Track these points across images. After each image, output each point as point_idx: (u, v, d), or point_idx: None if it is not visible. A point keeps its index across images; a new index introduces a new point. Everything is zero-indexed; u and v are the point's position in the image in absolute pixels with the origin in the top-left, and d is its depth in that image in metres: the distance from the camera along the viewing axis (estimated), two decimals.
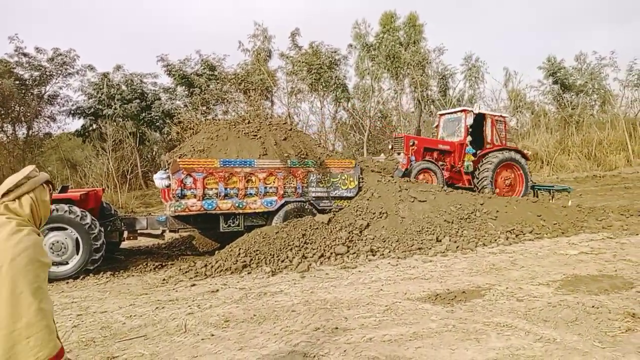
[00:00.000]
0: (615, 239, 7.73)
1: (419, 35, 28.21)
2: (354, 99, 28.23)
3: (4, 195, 1.84)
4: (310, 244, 7.48)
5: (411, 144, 10.92)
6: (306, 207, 8.65)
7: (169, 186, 7.99)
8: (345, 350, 3.71)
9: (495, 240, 7.89)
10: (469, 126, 11.08)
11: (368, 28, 27.91)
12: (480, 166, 10.98)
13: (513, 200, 9.44)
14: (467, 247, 7.54)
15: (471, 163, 10.93)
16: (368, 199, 8.81)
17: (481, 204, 8.95)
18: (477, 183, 10.91)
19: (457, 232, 8.13)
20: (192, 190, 7.74)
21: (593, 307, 4.42)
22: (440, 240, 7.86)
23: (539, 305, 4.59)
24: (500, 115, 12.01)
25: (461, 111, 11.52)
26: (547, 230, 8.35)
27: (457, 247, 7.51)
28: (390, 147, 11.74)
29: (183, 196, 7.73)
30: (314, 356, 3.62)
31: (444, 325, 4.22)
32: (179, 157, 7.84)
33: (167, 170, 8.17)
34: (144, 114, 23.56)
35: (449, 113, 12.24)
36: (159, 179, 8.24)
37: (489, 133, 11.33)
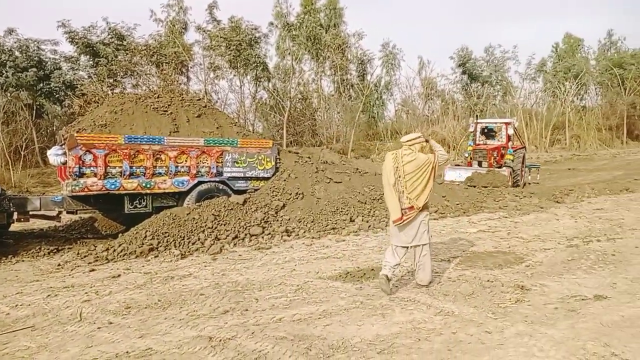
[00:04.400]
0: (510, 218, 8.45)
1: (339, 18, 28.45)
2: (274, 79, 27.84)
3: (407, 141, 4.43)
4: (224, 225, 7.26)
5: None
6: (221, 187, 8.37)
7: (65, 163, 7.29)
8: (253, 332, 3.63)
9: None
10: (509, 134, 13.64)
11: (289, 8, 27.56)
12: (514, 161, 13.23)
13: None
14: (378, 226, 7.80)
15: (512, 159, 13.19)
16: (285, 180, 8.74)
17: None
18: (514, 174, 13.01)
19: (370, 212, 8.38)
20: (92, 168, 7.11)
21: (488, 281, 4.78)
22: (354, 220, 8.05)
23: (441, 280, 4.87)
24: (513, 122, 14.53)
25: (504, 123, 14.08)
26: (450, 209, 8.91)
27: (369, 227, 7.75)
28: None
29: (82, 174, 7.08)
30: (220, 340, 3.50)
31: (353, 302, 4.31)
32: (77, 132, 7.14)
33: (63, 146, 7.44)
34: (41, 84, 21.32)
35: (489, 122, 14.72)
36: (54, 155, 7.48)
37: (513, 137, 13.83)
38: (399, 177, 4.32)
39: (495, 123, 14.48)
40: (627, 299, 4.14)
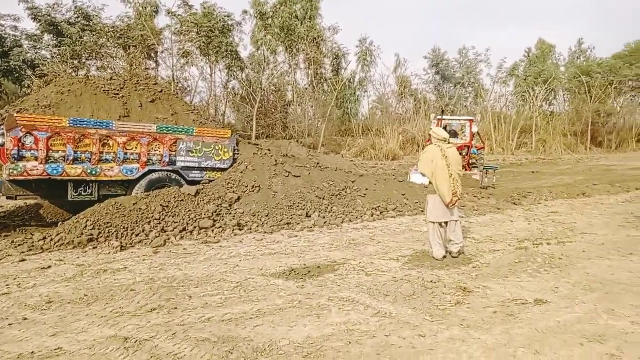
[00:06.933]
0: (466, 218, 8.43)
1: (315, 11, 28.11)
2: (248, 69, 27.35)
3: (446, 140, 5.69)
4: (173, 217, 6.96)
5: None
6: (173, 177, 8.06)
7: (3, 145, 6.85)
8: (174, 333, 3.41)
9: (362, 216, 8.13)
10: (473, 133, 13.48)
11: None
12: (478, 160, 13.23)
13: (382, 179, 9.84)
14: (334, 222, 7.65)
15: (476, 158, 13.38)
16: (242, 172, 8.48)
17: (352, 182, 9.16)
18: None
19: (327, 208, 8.22)
20: (32, 151, 6.71)
21: (431, 281, 4.67)
22: (310, 216, 7.87)
23: (384, 279, 4.74)
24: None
25: (468, 120, 13.90)
26: (409, 208, 8.84)
27: (325, 223, 7.58)
28: None
29: (21, 158, 6.67)
30: (136, 341, 3.26)
31: (291, 301, 4.13)
32: (18, 112, 6.71)
33: (1, 127, 6.99)
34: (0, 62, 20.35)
35: (451, 119, 14.42)
36: None
37: (476, 135, 13.87)
38: (448, 164, 5.35)
39: (459, 120, 14.20)
40: (566, 304, 4.10)
